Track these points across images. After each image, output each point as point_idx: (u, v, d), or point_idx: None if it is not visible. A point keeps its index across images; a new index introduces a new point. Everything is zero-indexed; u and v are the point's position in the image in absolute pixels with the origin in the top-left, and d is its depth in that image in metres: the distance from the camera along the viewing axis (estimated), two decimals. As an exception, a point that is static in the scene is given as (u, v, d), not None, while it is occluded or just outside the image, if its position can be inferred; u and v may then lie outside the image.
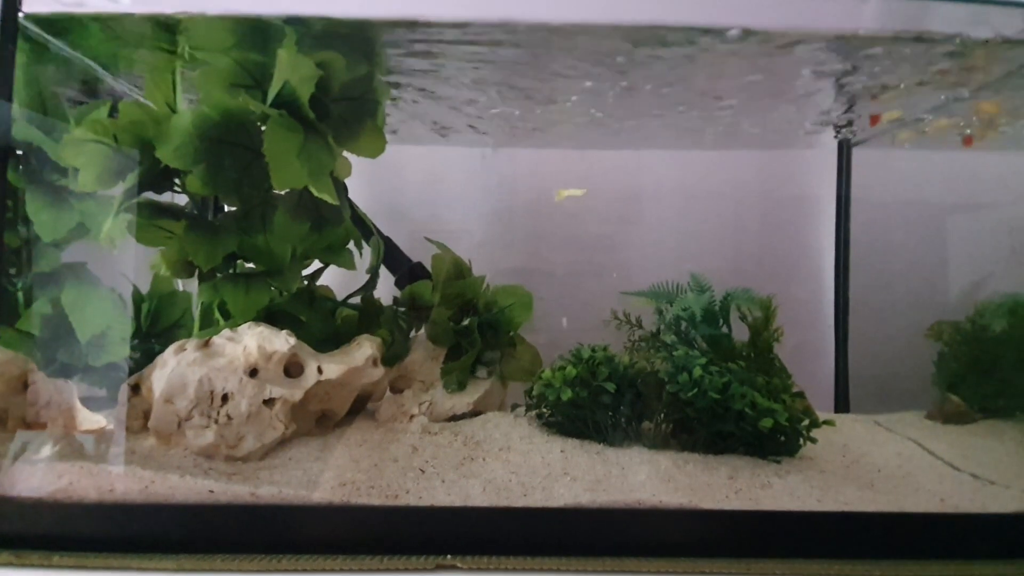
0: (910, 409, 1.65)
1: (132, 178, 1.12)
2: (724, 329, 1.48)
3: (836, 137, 1.87)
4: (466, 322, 1.44)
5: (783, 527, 1.01)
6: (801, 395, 1.31)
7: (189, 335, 1.27)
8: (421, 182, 1.95)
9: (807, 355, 1.88)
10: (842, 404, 1.83)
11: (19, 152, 1.17)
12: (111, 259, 1.32)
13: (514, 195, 1.96)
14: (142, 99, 1.18)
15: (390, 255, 1.54)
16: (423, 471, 1.09)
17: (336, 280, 1.49)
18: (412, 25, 1.05)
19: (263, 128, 1.11)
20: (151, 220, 1.16)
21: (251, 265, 1.33)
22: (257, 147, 1.08)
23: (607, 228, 1.96)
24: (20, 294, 1.24)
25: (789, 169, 1.98)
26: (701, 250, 1.94)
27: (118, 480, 0.98)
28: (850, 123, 1.71)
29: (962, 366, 1.57)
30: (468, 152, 1.94)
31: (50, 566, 0.90)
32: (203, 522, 0.97)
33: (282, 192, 1.21)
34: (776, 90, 1.46)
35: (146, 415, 1.15)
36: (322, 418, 1.27)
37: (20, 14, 1.02)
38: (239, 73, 1.08)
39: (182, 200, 1.29)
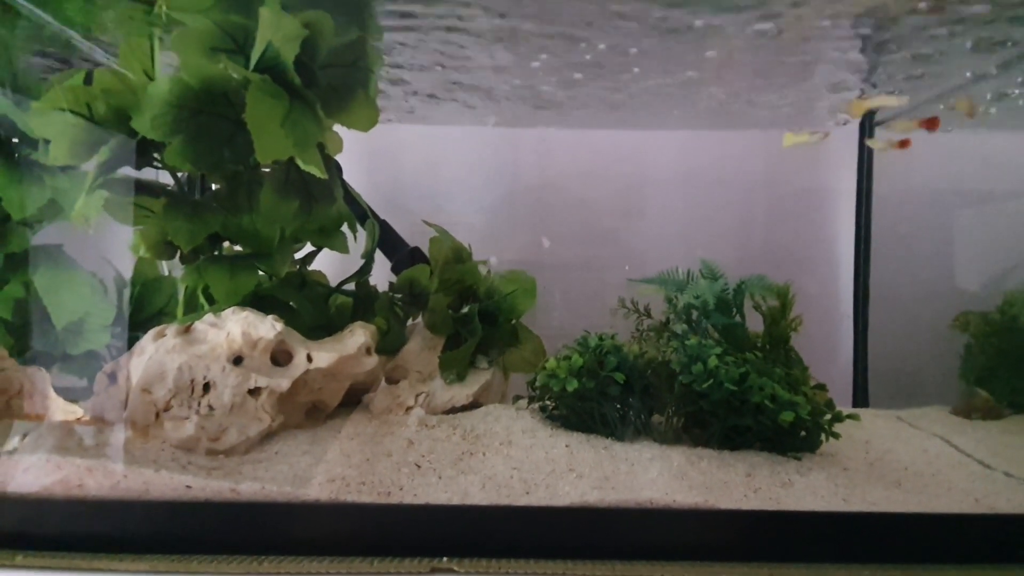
0: (933, 404, 1.58)
1: (106, 151, 1.04)
2: (737, 318, 1.40)
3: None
4: (466, 309, 1.37)
5: (807, 529, 0.95)
6: (823, 387, 1.24)
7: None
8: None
9: (821, 347, 1.80)
10: (861, 398, 1.75)
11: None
12: (96, 241, 1.25)
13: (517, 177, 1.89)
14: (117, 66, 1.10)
15: (386, 239, 1.48)
16: (419, 466, 1.03)
17: (334, 265, 1.42)
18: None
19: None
20: (128, 197, 1.08)
21: (240, 248, 1.26)
22: (240, 117, 1.00)
23: (609, 218, 1.88)
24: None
25: (805, 152, 1.89)
26: (709, 237, 1.86)
27: (87, 475, 0.91)
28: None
29: (990, 359, 1.50)
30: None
31: (12, 566, 0.85)
32: (179, 520, 0.91)
33: (268, 168, 1.13)
34: (795, 64, 1.37)
35: (124, 405, 1.07)
36: (312, 410, 1.20)
37: None
38: (219, 36, 1.00)
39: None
